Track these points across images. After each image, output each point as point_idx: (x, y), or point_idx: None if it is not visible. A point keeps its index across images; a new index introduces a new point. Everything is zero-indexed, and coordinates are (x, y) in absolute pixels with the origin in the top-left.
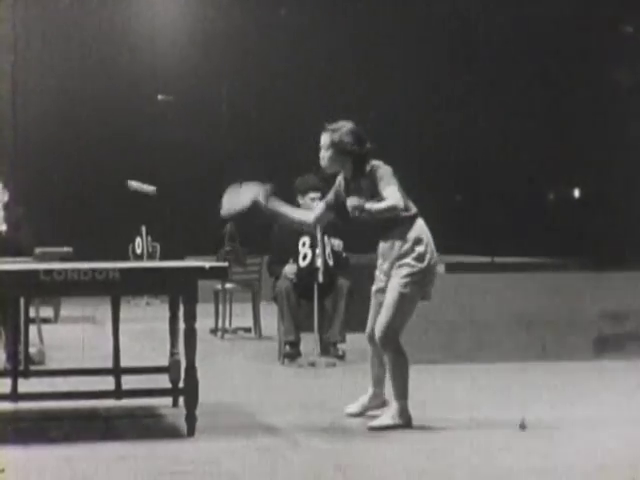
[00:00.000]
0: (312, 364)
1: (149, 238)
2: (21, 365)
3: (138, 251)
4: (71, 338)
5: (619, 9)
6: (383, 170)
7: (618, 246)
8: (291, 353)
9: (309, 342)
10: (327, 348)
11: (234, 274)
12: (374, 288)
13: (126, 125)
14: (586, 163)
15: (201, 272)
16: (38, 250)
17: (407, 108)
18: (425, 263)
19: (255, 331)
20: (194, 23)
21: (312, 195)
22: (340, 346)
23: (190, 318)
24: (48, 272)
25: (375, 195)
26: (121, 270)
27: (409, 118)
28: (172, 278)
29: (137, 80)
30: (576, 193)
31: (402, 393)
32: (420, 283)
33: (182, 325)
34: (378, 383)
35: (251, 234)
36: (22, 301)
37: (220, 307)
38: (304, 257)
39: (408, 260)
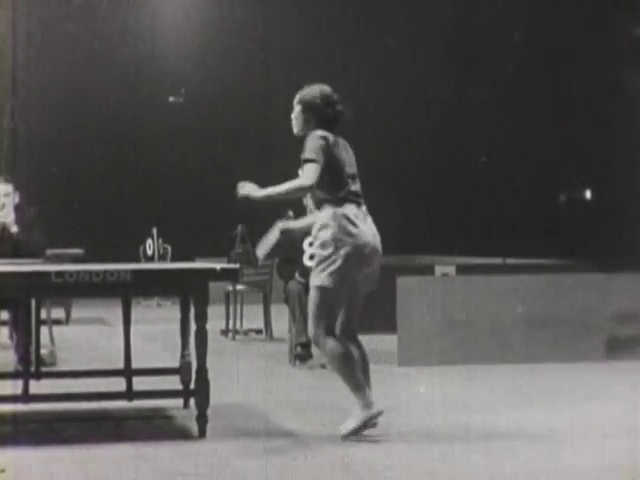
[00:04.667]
0: (323, 366)
1: (160, 240)
2: (32, 366)
3: (149, 253)
4: (82, 339)
5: (633, 10)
6: (311, 141)
7: (630, 247)
8: (302, 355)
9: None
10: None
11: (245, 276)
12: None
13: (138, 127)
14: (598, 165)
15: (212, 274)
16: (50, 252)
17: (421, 109)
18: (330, 250)
19: (266, 333)
20: (207, 25)
21: None
22: None
23: (201, 319)
24: (60, 274)
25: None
26: (132, 272)
27: (423, 120)
28: (183, 280)
29: (148, 82)
30: (588, 194)
31: (354, 385)
32: (334, 273)
33: (193, 326)
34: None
35: (262, 235)
36: (34, 302)
37: (231, 308)
38: (311, 257)
39: (315, 249)
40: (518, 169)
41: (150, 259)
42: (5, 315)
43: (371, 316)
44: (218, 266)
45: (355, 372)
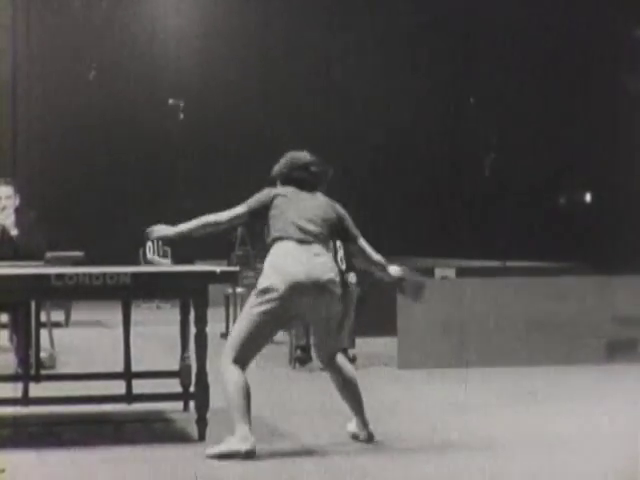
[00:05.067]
0: (323, 369)
1: (160, 242)
2: (32, 369)
3: (149, 255)
4: (82, 342)
5: (635, 12)
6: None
7: (629, 250)
8: (302, 357)
9: None
10: None
11: (245, 278)
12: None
13: (138, 129)
14: (597, 167)
15: (212, 276)
16: (49, 254)
17: (421, 110)
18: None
19: None
20: (205, 27)
21: None
22: (350, 351)
23: (201, 322)
24: (60, 276)
25: None
26: (132, 274)
27: (423, 121)
28: (183, 282)
29: (147, 84)
30: (587, 197)
31: (239, 416)
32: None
33: (193, 329)
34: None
35: (262, 238)
36: (33, 305)
37: (231, 311)
38: None
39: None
40: (518, 172)
41: (150, 262)
42: (5, 318)
43: (371, 319)
44: (218, 269)
45: (244, 404)
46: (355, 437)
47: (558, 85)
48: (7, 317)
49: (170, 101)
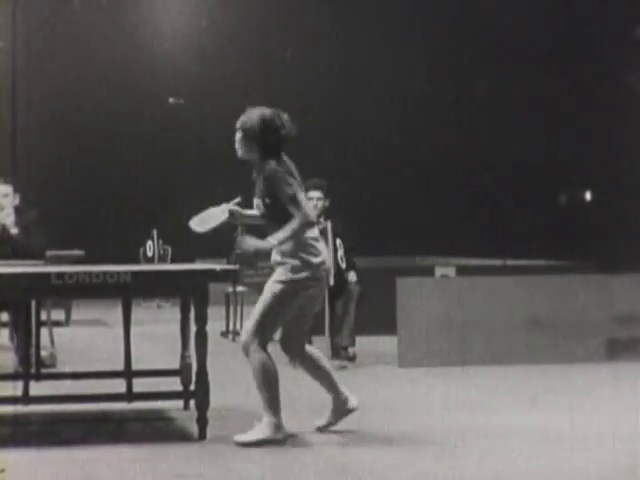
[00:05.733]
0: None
1: (160, 241)
2: (32, 368)
3: (149, 254)
4: (82, 341)
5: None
6: (275, 180)
7: (630, 248)
8: None
9: (320, 345)
10: (337, 351)
11: (245, 277)
12: None
13: (137, 128)
14: (598, 165)
15: (212, 275)
16: (50, 253)
17: (421, 109)
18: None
19: None
20: (205, 25)
21: (311, 194)
22: (350, 349)
23: (201, 321)
24: (60, 275)
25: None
26: (132, 273)
27: (424, 120)
28: (183, 281)
29: (148, 83)
30: (587, 195)
31: (273, 405)
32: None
33: (193, 328)
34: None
35: (262, 236)
36: (34, 304)
37: (231, 310)
38: None
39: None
40: (518, 170)
41: (150, 260)
42: (5, 317)
43: (371, 317)
44: (218, 267)
45: (276, 390)
46: (322, 430)
47: (559, 83)
48: (7, 316)
49: (170, 100)
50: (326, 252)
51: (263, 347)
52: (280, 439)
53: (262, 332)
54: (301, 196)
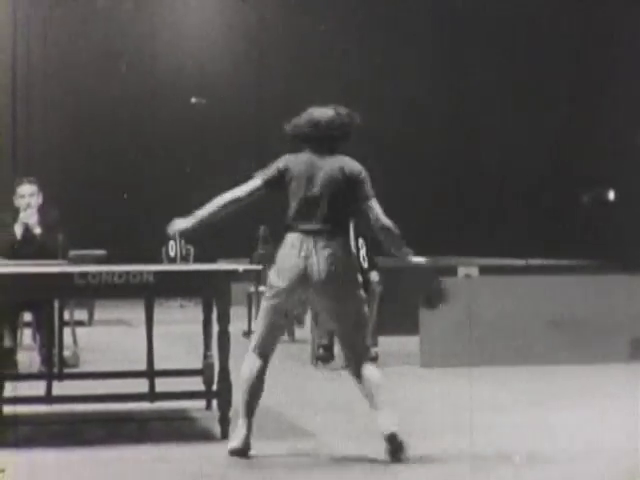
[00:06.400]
0: (345, 367)
1: (182, 241)
2: (55, 368)
3: (172, 254)
4: (105, 341)
5: None
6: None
7: None
8: (324, 356)
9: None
10: None
11: (267, 277)
12: None
13: (160, 128)
14: (621, 165)
15: (235, 275)
16: (73, 253)
17: (440, 107)
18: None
19: (288, 334)
20: (228, 26)
21: None
22: (373, 349)
23: (224, 321)
24: (83, 275)
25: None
26: (155, 273)
27: (445, 118)
28: (206, 281)
29: (171, 83)
30: (611, 195)
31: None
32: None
33: (216, 328)
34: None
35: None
36: (57, 304)
37: (253, 310)
38: None
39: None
40: (541, 170)
41: (173, 260)
42: (28, 316)
43: (393, 317)
44: (241, 267)
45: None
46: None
47: (582, 81)
48: (31, 316)
49: (193, 100)
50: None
51: None
52: (232, 448)
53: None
54: (252, 181)
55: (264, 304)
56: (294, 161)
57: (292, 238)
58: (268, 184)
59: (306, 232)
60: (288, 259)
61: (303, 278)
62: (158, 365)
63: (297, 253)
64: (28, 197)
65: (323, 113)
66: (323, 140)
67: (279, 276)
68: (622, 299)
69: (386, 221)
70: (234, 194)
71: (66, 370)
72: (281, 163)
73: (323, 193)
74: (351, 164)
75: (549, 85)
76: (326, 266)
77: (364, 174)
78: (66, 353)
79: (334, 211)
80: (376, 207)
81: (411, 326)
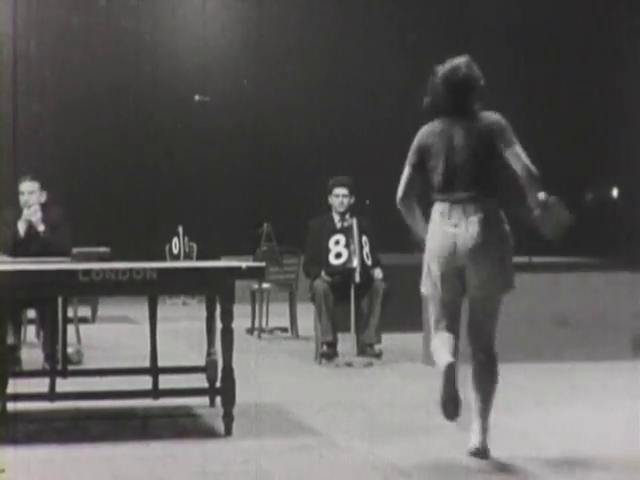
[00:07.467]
0: (349, 364)
1: (186, 238)
2: (59, 365)
3: (175, 251)
4: (108, 338)
5: None
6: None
7: None
8: (328, 353)
9: (346, 342)
10: (363, 348)
11: (271, 274)
12: None
13: (164, 125)
14: (624, 162)
15: (238, 272)
16: (76, 250)
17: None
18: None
19: (292, 331)
20: (232, 23)
21: (337, 191)
22: (376, 346)
23: (227, 318)
24: (86, 272)
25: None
26: (158, 270)
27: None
28: (209, 278)
29: (173, 81)
30: (614, 193)
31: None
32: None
33: (219, 325)
34: None
35: (288, 234)
36: (60, 301)
37: (257, 307)
38: (337, 255)
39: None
40: (544, 167)
41: (176, 257)
42: (32, 313)
43: (397, 314)
44: (244, 264)
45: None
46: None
47: (585, 78)
48: (34, 313)
49: (196, 97)
50: None
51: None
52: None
53: None
54: (405, 174)
55: (429, 292)
56: (428, 133)
57: (440, 207)
58: (417, 168)
59: (453, 202)
60: (437, 235)
61: (454, 251)
62: (162, 362)
63: (447, 221)
64: (27, 194)
65: (451, 75)
66: (457, 99)
67: (433, 261)
68: (625, 297)
69: (535, 170)
70: (408, 196)
71: (70, 367)
72: (417, 141)
73: (465, 159)
74: (487, 116)
75: (550, 85)
76: (476, 233)
77: (503, 122)
78: (70, 350)
79: (480, 175)
80: (522, 154)
81: (415, 323)
